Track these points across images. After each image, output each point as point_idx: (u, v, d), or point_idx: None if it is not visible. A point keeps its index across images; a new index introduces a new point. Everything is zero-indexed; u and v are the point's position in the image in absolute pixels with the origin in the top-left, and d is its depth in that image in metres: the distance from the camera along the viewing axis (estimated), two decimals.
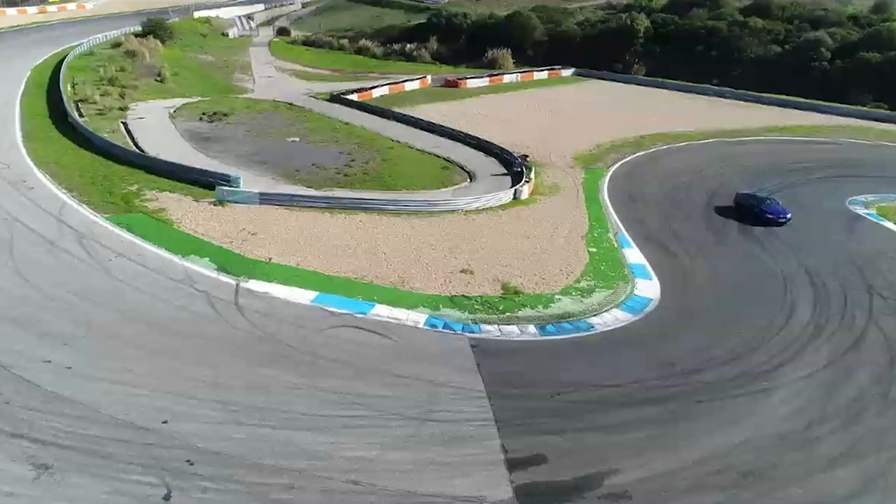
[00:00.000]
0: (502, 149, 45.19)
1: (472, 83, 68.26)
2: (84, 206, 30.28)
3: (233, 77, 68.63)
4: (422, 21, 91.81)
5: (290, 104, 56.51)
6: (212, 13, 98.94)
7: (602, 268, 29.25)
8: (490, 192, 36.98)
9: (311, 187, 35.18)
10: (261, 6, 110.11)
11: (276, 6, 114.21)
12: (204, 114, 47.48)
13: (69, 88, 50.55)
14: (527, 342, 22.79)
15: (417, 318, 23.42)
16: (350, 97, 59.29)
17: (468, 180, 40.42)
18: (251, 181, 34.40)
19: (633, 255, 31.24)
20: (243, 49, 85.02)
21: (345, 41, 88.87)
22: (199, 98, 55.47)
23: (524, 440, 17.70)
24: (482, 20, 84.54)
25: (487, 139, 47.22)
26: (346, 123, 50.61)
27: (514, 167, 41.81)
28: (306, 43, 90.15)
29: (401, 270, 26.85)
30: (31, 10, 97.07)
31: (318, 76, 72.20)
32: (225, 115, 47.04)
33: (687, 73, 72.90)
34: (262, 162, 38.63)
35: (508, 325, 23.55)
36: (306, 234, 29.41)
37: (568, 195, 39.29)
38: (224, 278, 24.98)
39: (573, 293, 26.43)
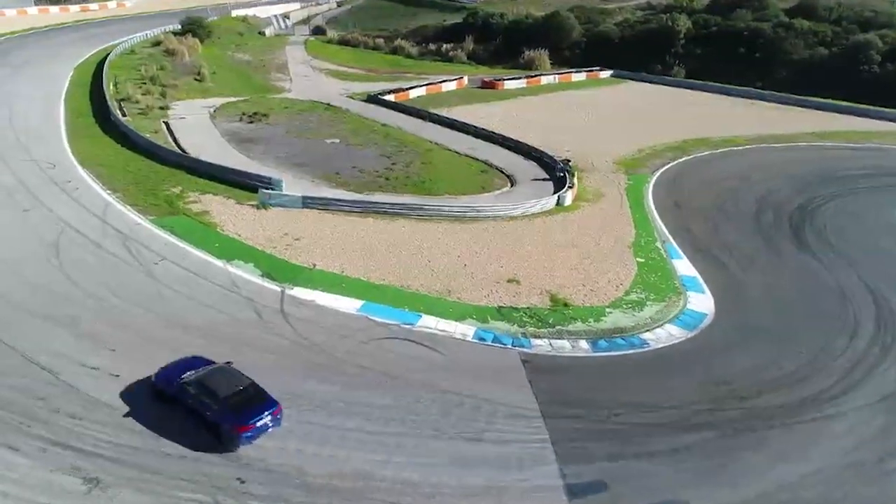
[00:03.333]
0: (542, 152, 44.34)
1: (510, 84, 67.35)
2: (128, 207, 30.20)
3: (270, 76, 68.59)
4: (457, 21, 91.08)
5: (328, 104, 56.21)
6: (249, 12, 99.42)
7: (652, 279, 28.29)
8: (532, 198, 36.18)
9: (353, 190, 34.70)
10: (297, 5, 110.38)
11: (311, 5, 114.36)
12: (244, 114, 47.38)
13: (111, 87, 50.90)
14: (579, 358, 21.99)
15: (466, 330, 22.76)
16: (387, 98, 58.81)
17: (509, 185, 39.64)
18: (293, 184, 34.05)
19: (683, 266, 30.19)
20: (280, 48, 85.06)
21: (380, 41, 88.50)
22: (238, 98, 55.43)
23: (583, 465, 16.96)
24: (519, 20, 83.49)
25: (526, 142, 46.41)
26: (385, 125, 50.11)
27: (555, 171, 40.91)
28: (342, 42, 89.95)
29: (446, 279, 26.20)
30: (74, 8, 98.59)
31: (353, 76, 71.88)
32: (264, 115, 46.89)
33: (729, 76, 71.14)
34: (302, 164, 38.29)
35: (559, 339, 22.76)
36: (349, 239, 28.92)
37: (612, 201, 38.29)
38: (269, 285, 24.60)
39: (624, 306, 25.54)
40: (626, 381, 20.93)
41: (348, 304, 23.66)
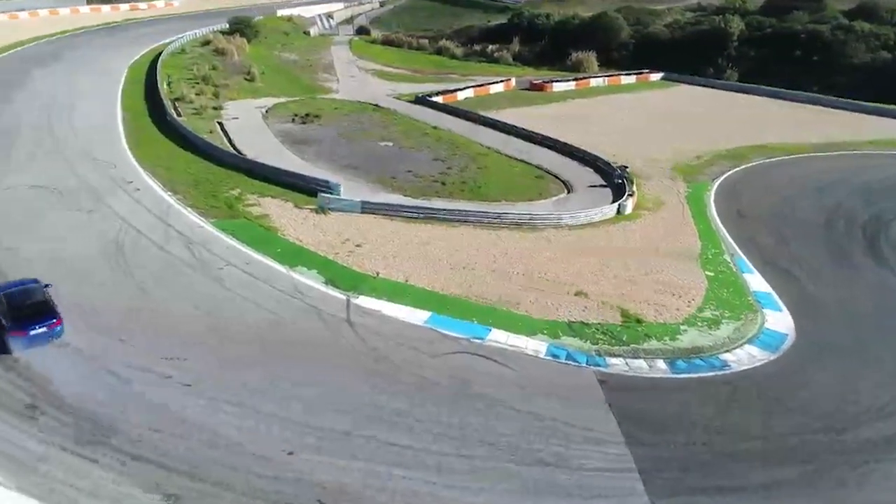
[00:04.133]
0: (597, 157, 43.23)
1: (558, 86, 66.17)
2: (189, 209, 30.06)
3: (317, 76, 68.58)
4: (503, 21, 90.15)
5: (376, 105, 55.85)
6: (293, 11, 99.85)
7: (724, 295, 27.06)
8: (591, 206, 35.18)
9: (409, 195, 34.11)
10: (340, 4, 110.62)
11: (354, 4, 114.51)
12: (296, 115, 47.21)
13: (165, 87, 51.23)
14: (658, 380, 20.97)
15: (537, 346, 21.92)
16: (435, 99, 58.19)
17: (565, 191, 38.63)
18: (349, 188, 33.56)
19: (755, 280, 28.85)
20: (325, 48, 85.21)
21: (424, 41, 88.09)
22: (287, 98, 55.43)
23: (674, 499, 16.00)
24: (565, 21, 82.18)
25: (580, 146, 45.36)
26: (435, 127, 49.48)
27: (613, 178, 39.77)
28: (386, 42, 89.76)
29: (512, 290, 25.39)
30: (124, 6, 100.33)
31: (399, 76, 71.46)
32: (316, 116, 46.67)
33: (784, 79, 68.77)
34: (356, 167, 37.84)
35: (636, 358, 21.78)
36: (411, 247, 28.29)
37: (673, 210, 37.01)
38: (333, 292, 24.08)
39: (699, 324, 24.41)
40: (710, 405, 19.85)
41: (415, 316, 23.01)
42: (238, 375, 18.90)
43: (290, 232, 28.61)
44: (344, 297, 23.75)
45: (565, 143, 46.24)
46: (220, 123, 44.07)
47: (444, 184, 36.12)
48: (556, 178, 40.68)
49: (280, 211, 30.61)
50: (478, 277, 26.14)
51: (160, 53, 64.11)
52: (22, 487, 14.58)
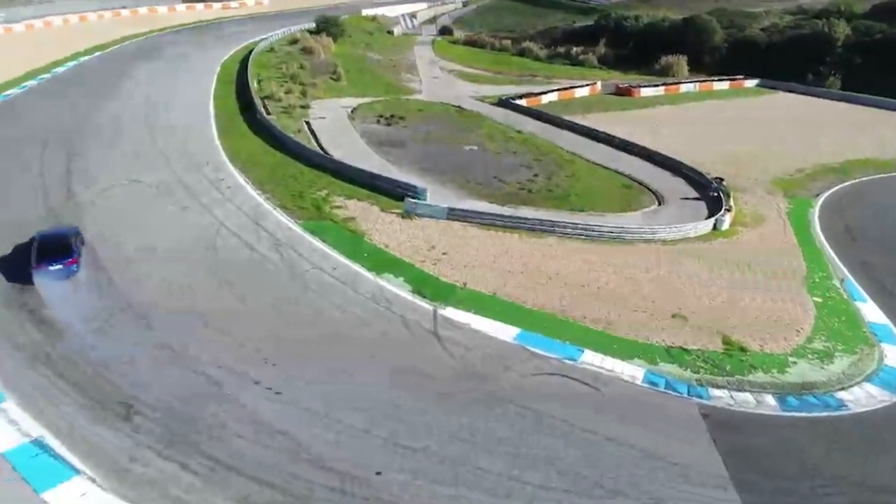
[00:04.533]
0: (690, 168, 41.21)
1: (646, 91, 63.84)
2: (278, 209, 30.26)
3: (400, 76, 68.63)
4: (588, 23, 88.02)
5: (459, 107, 55.29)
6: (378, 11, 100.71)
7: (835, 325, 24.98)
8: (684, 219, 33.45)
9: (495, 202, 33.29)
10: (424, 4, 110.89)
11: (437, 4, 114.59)
12: (381, 116, 47.19)
13: (255, 84, 52.29)
14: (767, 416, 19.37)
15: (634, 371, 20.70)
16: (519, 102, 57.13)
17: (656, 203, 36.91)
18: (434, 192, 32.99)
19: (870, 310, 26.55)
20: (408, 48, 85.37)
21: (507, 42, 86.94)
22: (372, 98, 55.59)
23: None
24: (655, 23, 79.30)
25: (670, 155, 43.45)
26: (519, 131, 48.50)
27: (708, 191, 37.73)
28: (468, 42, 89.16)
29: (605, 309, 24.20)
30: (216, 5, 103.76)
31: (482, 78, 70.69)
32: (400, 118, 46.48)
33: (894, 89, 63.97)
34: (441, 170, 37.29)
35: (741, 391, 20.23)
36: (498, 257, 27.49)
37: (773, 227, 34.78)
38: (420, 302, 23.57)
39: (809, 356, 22.55)
40: (827, 448, 18.16)
41: (504, 331, 22.19)
42: (323, 384, 18.63)
43: (377, 236, 28.32)
44: (430, 308, 23.19)
45: (655, 151, 44.40)
46: (307, 122, 44.50)
47: (530, 191, 35.10)
48: (646, 188, 39.00)
49: (366, 214, 30.41)
50: (567, 292, 25.09)
51: (250, 52, 65.69)
52: (115, 489, 14.68)
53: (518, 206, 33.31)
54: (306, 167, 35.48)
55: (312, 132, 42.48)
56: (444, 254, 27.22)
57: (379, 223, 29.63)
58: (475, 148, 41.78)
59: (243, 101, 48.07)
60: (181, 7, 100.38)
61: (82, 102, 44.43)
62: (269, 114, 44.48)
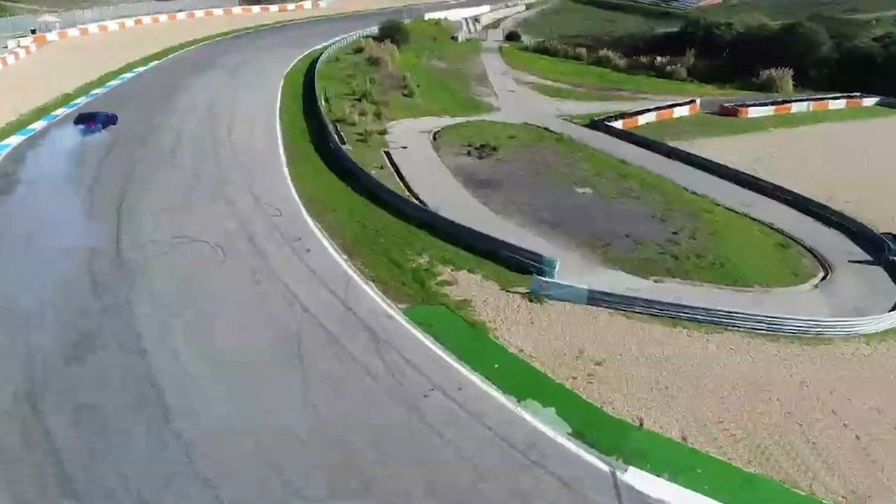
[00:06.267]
0: (842, 215, 33.25)
1: (754, 112, 55.12)
2: (371, 284, 23.39)
3: (473, 89, 61.26)
4: (669, 29, 79.20)
5: (547, 129, 47.79)
6: (439, 15, 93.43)
7: None
8: (865, 291, 25.84)
9: (637, 273, 25.87)
10: (486, 7, 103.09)
11: (501, 7, 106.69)
12: (470, 145, 39.89)
13: (324, 102, 45.70)
14: None
15: None
16: (615, 125, 49.30)
17: (822, 271, 28.92)
18: (554, 254, 25.65)
19: None
20: (475, 55, 77.87)
21: (581, 49, 78.59)
22: (451, 118, 48.53)
23: None
24: (751, 32, 70.18)
25: (812, 197, 35.54)
26: (623, 161, 40.80)
27: (886, 254, 29.61)
28: (539, 50, 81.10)
29: (847, 470, 16.64)
30: (273, 7, 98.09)
31: (563, 92, 62.72)
32: (493, 149, 39.05)
33: None
34: (555, 223, 29.85)
35: None
36: (670, 369, 20.08)
37: None
38: (586, 456, 16.34)
39: None
40: None
41: None
42: None
43: (504, 332, 21.16)
44: (606, 468, 15.96)
45: (795, 193, 36.38)
46: (387, 153, 37.63)
47: (675, 257, 27.44)
48: (802, 245, 31.05)
49: (483, 294, 23.26)
50: (784, 440, 17.55)
51: (314, 61, 59.31)
52: None
53: (663, 278, 25.85)
54: (398, 220, 28.50)
55: (395, 167, 35.53)
56: (597, 364, 19.90)
57: (502, 309, 22.43)
58: (589, 191, 34.10)
59: (312, 125, 41.46)
60: (237, 10, 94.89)
61: (138, 124, 38.37)
62: (343, 143, 37.71)
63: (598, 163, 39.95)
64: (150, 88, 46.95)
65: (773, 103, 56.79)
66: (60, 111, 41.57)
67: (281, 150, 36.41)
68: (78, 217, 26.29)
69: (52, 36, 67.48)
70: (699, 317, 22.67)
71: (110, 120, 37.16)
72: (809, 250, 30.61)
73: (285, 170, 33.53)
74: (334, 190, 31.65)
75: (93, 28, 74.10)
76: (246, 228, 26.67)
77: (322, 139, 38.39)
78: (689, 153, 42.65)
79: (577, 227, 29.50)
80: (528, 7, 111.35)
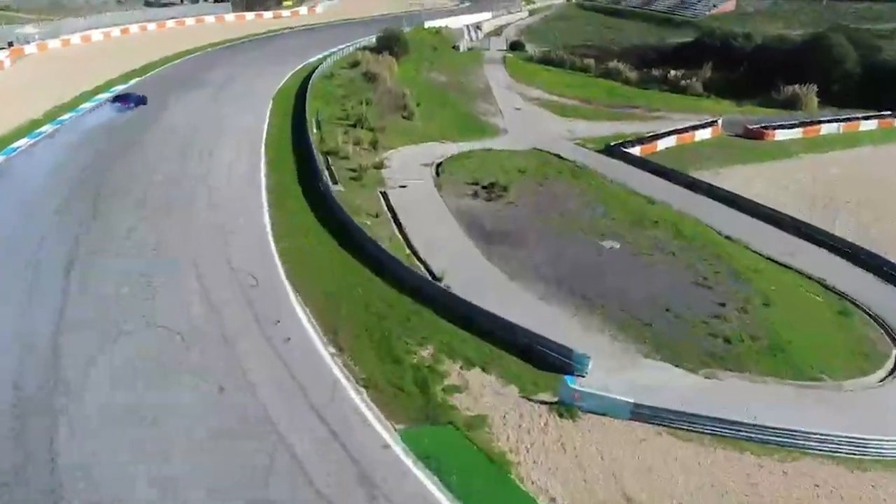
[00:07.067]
0: None
1: (781, 134, 50.27)
2: (362, 392, 18.57)
3: (476, 107, 56.35)
4: (683, 39, 74.27)
5: (559, 157, 43.03)
6: (441, 22, 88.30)
7: None
8: None
9: (682, 364, 21.07)
10: (488, 14, 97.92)
11: (503, 13, 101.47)
12: (476, 183, 34.95)
13: (315, 129, 40.78)
14: None
15: None
16: (633, 152, 44.51)
17: (893, 346, 24.21)
18: (588, 346, 20.90)
19: None
20: (477, 66, 72.81)
21: (589, 61, 73.58)
22: (453, 143, 43.71)
23: None
24: (771, 43, 65.20)
25: (861, 242, 31.06)
26: (650, 200, 35.99)
27: None
28: (544, 61, 76.07)
29: None
30: (267, 14, 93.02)
31: (571, 109, 57.79)
32: (503, 188, 34.06)
33: None
34: (581, 294, 24.86)
35: None
36: None
37: None
38: None
39: None
40: None
41: None
42: None
43: (529, 466, 16.38)
44: None
45: (840, 239, 31.79)
46: (383, 195, 32.76)
47: (727, 340, 22.57)
48: (865, 312, 26.32)
49: (501, 405, 18.45)
50: None
51: (308, 77, 54.35)
52: None
53: (715, 371, 21.08)
54: (397, 291, 23.62)
55: (393, 213, 30.64)
56: None
57: (526, 429, 17.62)
58: (616, 246, 29.13)
59: (301, 156, 36.50)
60: (230, 17, 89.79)
61: (92, 176, 31.88)
62: (335, 182, 32.86)
63: (620, 203, 35.08)
64: (121, 114, 41.93)
65: (800, 124, 51.91)
66: (22, 142, 36.59)
67: (263, 196, 31.21)
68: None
69: (30, 48, 62.32)
70: (767, 435, 17.88)
71: (141, 101, 43.43)
72: (875, 319, 25.90)
73: (266, 221, 28.56)
74: (323, 249, 26.72)
75: (75, 39, 68.87)
76: (213, 303, 21.84)
77: (311, 177, 33.49)
78: (719, 189, 37.82)
79: (609, 298, 24.55)
80: (532, 13, 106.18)
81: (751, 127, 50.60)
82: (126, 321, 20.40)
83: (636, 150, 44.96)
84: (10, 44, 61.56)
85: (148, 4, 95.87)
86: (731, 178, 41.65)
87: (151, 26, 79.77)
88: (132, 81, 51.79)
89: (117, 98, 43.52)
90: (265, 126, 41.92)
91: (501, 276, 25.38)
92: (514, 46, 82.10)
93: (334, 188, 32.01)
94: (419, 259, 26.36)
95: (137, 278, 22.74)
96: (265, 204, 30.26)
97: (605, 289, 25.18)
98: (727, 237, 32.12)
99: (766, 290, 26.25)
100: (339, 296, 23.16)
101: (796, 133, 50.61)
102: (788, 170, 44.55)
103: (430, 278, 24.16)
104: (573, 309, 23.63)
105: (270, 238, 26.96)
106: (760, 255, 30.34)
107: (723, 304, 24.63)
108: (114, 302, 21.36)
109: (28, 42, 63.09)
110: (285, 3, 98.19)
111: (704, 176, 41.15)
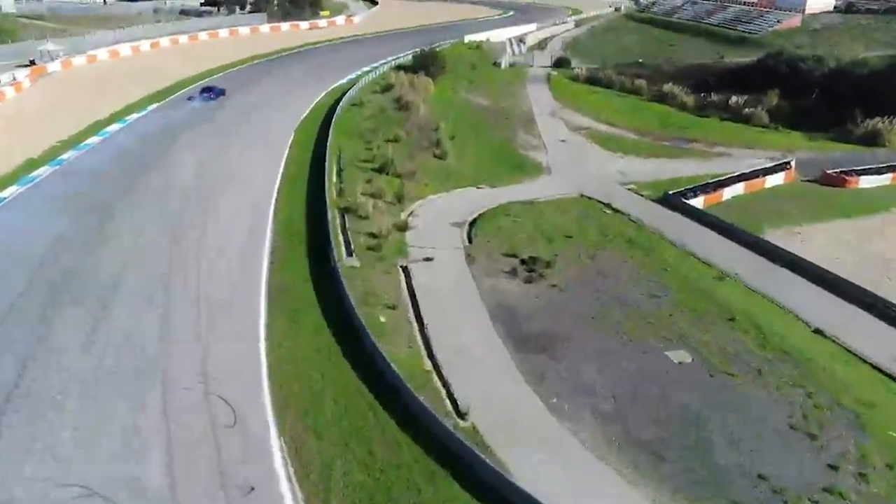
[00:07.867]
0: None
1: (865, 181, 42.95)
2: None
3: (517, 138, 50.50)
4: (745, 59, 66.66)
5: (611, 208, 36.99)
6: (482, 36, 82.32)
7: None
8: None
9: None
10: (533, 26, 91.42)
11: (547, 25, 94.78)
12: (514, 255, 29.08)
13: (334, 179, 35.53)
14: None
15: None
16: (695, 203, 38.05)
17: None
18: None
19: None
20: (520, 86, 66.84)
21: (640, 82, 66.70)
22: (490, 189, 38.40)
23: None
24: (847, 67, 57.26)
25: None
26: (720, 276, 29.68)
27: None
28: (591, 80, 69.60)
29: None
30: (303, 24, 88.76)
31: (623, 142, 51.40)
32: (547, 264, 28.15)
33: None
34: (653, 451, 18.57)
35: None
36: None
37: None
38: None
39: None
40: None
41: None
42: None
43: None
44: None
45: None
46: (405, 272, 27.21)
47: None
48: None
49: None
50: None
51: (335, 105, 49.35)
52: None
53: None
54: (414, 442, 17.92)
55: (415, 304, 24.96)
56: None
57: None
58: (686, 359, 22.84)
59: (314, 220, 30.97)
60: (265, 28, 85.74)
61: (65, 253, 26.42)
62: (349, 254, 27.49)
63: (684, 281, 28.75)
64: (121, 158, 37.32)
65: (889, 168, 44.40)
66: (11, 190, 32.30)
67: (263, 286, 25.16)
68: None
69: (54, 66, 58.89)
70: None
71: (221, 93, 49.50)
72: None
73: (262, 321, 22.93)
74: (324, 367, 21.02)
75: (102, 55, 65.41)
76: (173, 463, 16.64)
77: (324, 250, 27.77)
78: (804, 261, 31.06)
79: (685, 459, 18.33)
80: (578, 24, 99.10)
81: (829, 172, 43.30)
82: None
83: (699, 201, 38.52)
84: (32, 62, 58.21)
85: (184, 13, 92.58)
86: (813, 241, 35.09)
87: (183, 38, 76.17)
88: (148, 108, 47.72)
89: (204, 90, 49.54)
90: (279, 175, 36.47)
91: (547, 416, 19.37)
92: (560, 63, 75.74)
93: (349, 262, 26.63)
94: (441, 378, 20.67)
95: None
96: (263, 292, 24.69)
97: (676, 433, 19.12)
98: (817, 331, 25.69)
99: (890, 440, 19.77)
100: (338, 448, 17.63)
101: (884, 180, 43.18)
102: (878, 228, 37.51)
103: (451, 422, 18.34)
104: (633, 470, 17.64)
105: (264, 367, 21.02)
106: (866, 363, 23.79)
107: (835, 467, 18.27)
108: None
109: (52, 59, 59.63)
110: (322, 13, 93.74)
111: (779, 237, 34.60)
